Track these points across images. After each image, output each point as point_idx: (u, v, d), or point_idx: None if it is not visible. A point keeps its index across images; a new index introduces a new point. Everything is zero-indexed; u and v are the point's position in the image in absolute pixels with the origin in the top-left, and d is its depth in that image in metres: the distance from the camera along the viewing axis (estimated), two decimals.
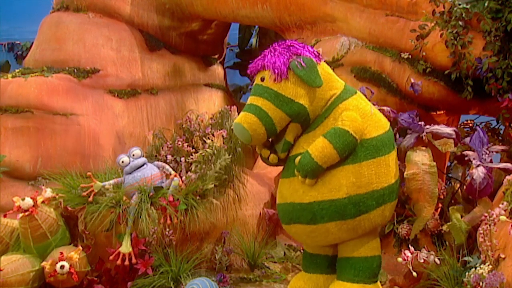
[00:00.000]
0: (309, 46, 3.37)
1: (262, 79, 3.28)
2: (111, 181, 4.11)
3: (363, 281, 3.33)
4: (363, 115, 3.26)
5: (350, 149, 3.17)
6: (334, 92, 3.32)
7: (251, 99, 3.31)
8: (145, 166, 4.17)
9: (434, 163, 3.88)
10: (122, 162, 4.13)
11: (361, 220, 3.25)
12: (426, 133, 4.00)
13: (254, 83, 3.36)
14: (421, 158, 3.88)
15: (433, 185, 3.84)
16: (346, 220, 3.23)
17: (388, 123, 3.42)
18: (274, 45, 3.35)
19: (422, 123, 4.05)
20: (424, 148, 3.95)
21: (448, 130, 3.99)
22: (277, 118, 3.23)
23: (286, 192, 3.37)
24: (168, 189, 4.11)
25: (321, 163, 3.15)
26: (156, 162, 4.29)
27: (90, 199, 3.95)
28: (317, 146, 3.16)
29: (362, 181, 3.20)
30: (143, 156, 4.22)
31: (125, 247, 3.87)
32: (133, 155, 4.16)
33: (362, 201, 3.21)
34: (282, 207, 3.43)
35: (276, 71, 3.22)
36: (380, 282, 3.55)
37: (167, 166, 4.27)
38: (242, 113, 3.30)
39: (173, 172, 4.21)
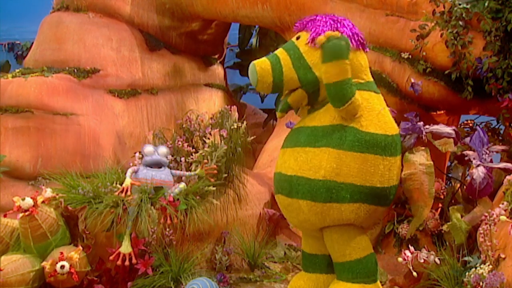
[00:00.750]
0: (357, 31, 3.39)
1: (297, 38, 3.38)
2: (129, 172, 4.15)
3: (363, 281, 3.33)
4: (369, 109, 3.27)
5: (338, 92, 3.14)
6: (354, 80, 3.30)
7: (279, 50, 3.41)
8: (163, 168, 4.21)
9: (432, 163, 3.88)
10: (149, 151, 4.23)
11: (330, 208, 3.23)
12: (426, 133, 4.00)
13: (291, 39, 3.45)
14: (419, 158, 3.87)
15: (430, 186, 3.84)
16: (315, 202, 3.24)
17: (396, 131, 3.38)
18: (329, 15, 3.42)
19: (421, 123, 4.05)
20: (423, 148, 3.95)
21: (448, 129, 3.99)
22: (288, 77, 3.30)
23: (279, 162, 3.47)
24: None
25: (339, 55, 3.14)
26: (174, 171, 4.31)
27: (129, 193, 3.99)
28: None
29: (343, 169, 3.19)
30: (168, 157, 4.30)
31: (125, 247, 3.87)
32: (161, 151, 4.29)
33: (336, 189, 3.20)
34: (274, 176, 3.52)
35: (313, 35, 3.29)
36: (380, 282, 3.56)
37: (187, 173, 4.30)
38: (264, 58, 3.37)
39: (195, 173, 4.27)
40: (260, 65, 3.32)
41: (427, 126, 4.04)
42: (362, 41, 3.39)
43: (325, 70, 3.18)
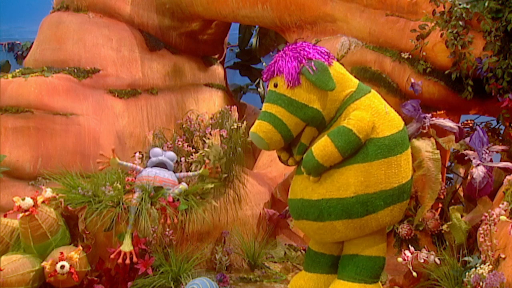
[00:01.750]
0: (319, 48, 3.32)
1: (275, 85, 3.27)
2: (129, 164, 4.16)
3: (364, 280, 3.32)
4: (376, 113, 3.25)
5: (353, 148, 3.15)
6: (348, 91, 3.29)
7: (266, 107, 3.29)
8: (168, 170, 4.23)
9: (438, 151, 3.86)
10: (154, 152, 4.26)
11: (368, 220, 3.24)
12: (430, 124, 3.99)
13: (268, 89, 3.35)
14: (424, 146, 3.87)
15: (436, 171, 3.82)
16: (353, 219, 3.22)
17: (402, 122, 3.39)
18: (284, 49, 3.33)
19: (428, 115, 4.05)
20: (428, 138, 3.95)
21: (451, 123, 3.99)
22: (292, 124, 3.23)
23: (297, 188, 3.38)
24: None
25: (322, 162, 3.16)
26: (178, 173, 4.32)
27: (100, 167, 4.01)
28: (319, 145, 3.18)
29: (371, 180, 3.18)
30: (173, 162, 4.32)
31: (126, 246, 3.87)
32: (167, 154, 4.31)
33: (370, 200, 3.19)
34: (292, 202, 3.44)
35: (288, 77, 3.20)
36: (380, 282, 3.55)
37: (190, 173, 4.32)
38: (257, 122, 3.28)
39: (198, 173, 4.29)
40: (261, 129, 3.24)
41: (432, 118, 4.03)
42: (328, 53, 3.33)
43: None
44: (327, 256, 3.54)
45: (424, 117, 4.01)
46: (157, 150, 4.32)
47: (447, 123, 4.00)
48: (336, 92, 3.24)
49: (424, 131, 4.04)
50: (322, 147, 3.16)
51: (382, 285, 3.69)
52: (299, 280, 3.62)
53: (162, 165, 4.25)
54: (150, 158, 4.28)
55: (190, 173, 4.31)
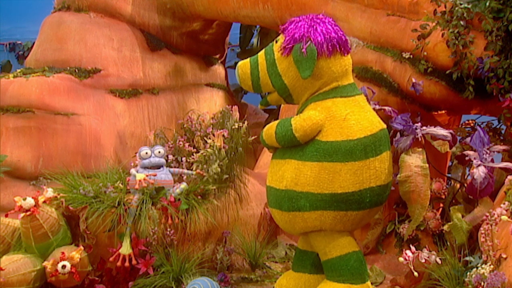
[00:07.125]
0: (335, 33, 3.35)
1: (276, 41, 3.45)
2: (134, 170, 4.14)
3: (349, 282, 3.34)
4: (331, 117, 3.27)
5: (287, 142, 3.31)
6: (323, 88, 3.36)
7: (263, 51, 3.51)
8: (162, 168, 4.21)
9: (427, 166, 3.90)
10: (145, 153, 4.22)
11: (295, 216, 3.33)
12: (423, 134, 4.01)
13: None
14: (414, 161, 3.90)
15: (425, 187, 3.87)
16: (282, 211, 3.36)
17: (365, 133, 3.31)
18: (312, 16, 3.43)
19: (418, 124, 4.06)
20: (419, 149, 3.96)
21: (444, 132, 4.00)
22: (264, 81, 3.46)
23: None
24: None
25: (265, 138, 3.49)
26: (172, 169, 4.31)
27: (144, 184, 3.96)
28: (270, 124, 3.46)
29: (300, 179, 3.26)
30: (164, 157, 4.29)
31: (125, 249, 3.87)
32: (157, 152, 4.25)
33: (296, 198, 3.27)
34: None
35: (285, 43, 3.34)
36: (376, 282, 3.56)
37: (185, 171, 4.33)
38: (248, 59, 3.56)
39: (193, 173, 4.31)
40: (242, 68, 3.53)
41: (424, 128, 4.04)
42: (339, 44, 3.33)
43: None
44: (309, 254, 3.59)
45: (416, 128, 4.03)
46: (146, 150, 4.23)
47: (440, 131, 4.01)
48: (310, 82, 3.34)
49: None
50: (269, 126, 3.45)
51: (380, 284, 3.69)
52: (283, 279, 3.70)
53: (156, 166, 4.22)
54: (141, 158, 4.23)
55: (185, 171, 4.32)
